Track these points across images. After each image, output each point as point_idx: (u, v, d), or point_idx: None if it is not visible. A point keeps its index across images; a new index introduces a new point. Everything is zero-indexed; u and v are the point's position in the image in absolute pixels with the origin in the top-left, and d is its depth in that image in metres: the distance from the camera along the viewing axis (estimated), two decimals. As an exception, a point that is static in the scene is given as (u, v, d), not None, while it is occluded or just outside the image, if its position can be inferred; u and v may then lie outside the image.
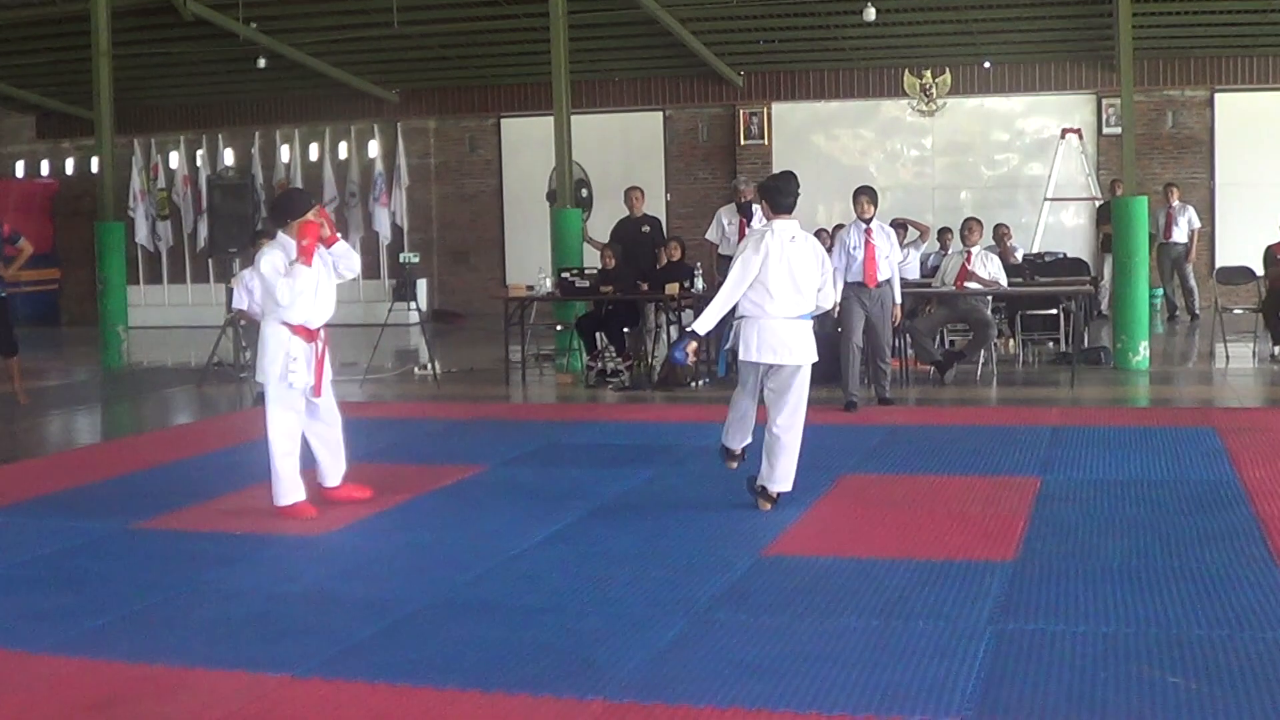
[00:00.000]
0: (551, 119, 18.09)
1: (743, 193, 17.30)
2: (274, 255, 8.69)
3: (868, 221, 12.85)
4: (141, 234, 26.80)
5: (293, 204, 8.94)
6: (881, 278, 12.81)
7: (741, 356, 8.59)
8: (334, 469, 9.15)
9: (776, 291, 8.49)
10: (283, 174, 26.77)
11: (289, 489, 8.72)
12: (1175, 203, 21.18)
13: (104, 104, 19.14)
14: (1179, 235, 21.17)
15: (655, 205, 24.45)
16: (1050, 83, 23.73)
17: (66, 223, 28.58)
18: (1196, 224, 21.45)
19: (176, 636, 6.12)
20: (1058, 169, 23.04)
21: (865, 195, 13.02)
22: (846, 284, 12.65)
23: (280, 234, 8.85)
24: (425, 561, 7.51)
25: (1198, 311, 21.13)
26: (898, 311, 13.05)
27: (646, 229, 17.10)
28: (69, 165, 28.89)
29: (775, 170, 23.99)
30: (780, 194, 8.72)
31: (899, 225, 18.16)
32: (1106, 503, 8.48)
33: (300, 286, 8.58)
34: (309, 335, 8.82)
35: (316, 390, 8.85)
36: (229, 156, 27.33)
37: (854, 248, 12.80)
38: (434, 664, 5.64)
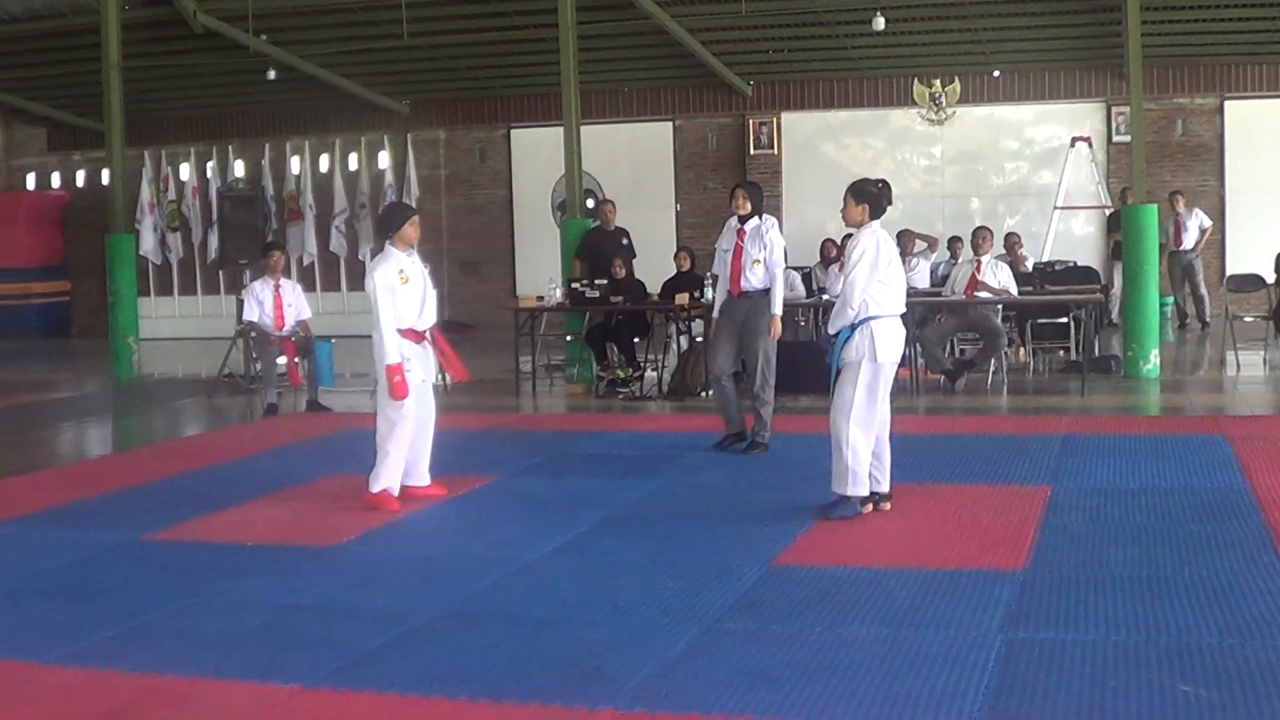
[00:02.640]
0: (561, 129, 18.09)
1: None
2: (384, 267, 9.31)
3: (743, 220, 11.13)
4: (147, 246, 26.56)
5: (392, 217, 9.67)
6: (748, 285, 11.03)
7: (885, 358, 8.44)
8: (422, 468, 9.63)
9: (898, 289, 8.56)
10: (293, 185, 26.82)
11: (386, 479, 9.30)
12: (1181, 209, 21.16)
13: (114, 116, 19.17)
14: (1189, 242, 21.15)
15: (665, 215, 24.58)
16: (1060, 91, 23.72)
17: (77, 234, 28.63)
18: (1207, 224, 21.40)
19: (187, 647, 6.13)
20: (1068, 177, 23.02)
21: (741, 190, 11.31)
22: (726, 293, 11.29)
23: (388, 246, 9.47)
24: (436, 572, 7.52)
25: (1208, 319, 21.09)
26: (775, 325, 11.01)
27: (625, 241, 17.07)
28: (79, 177, 28.95)
29: (785, 179, 24.21)
30: (885, 200, 8.66)
31: (905, 234, 18.20)
32: (1117, 511, 8.46)
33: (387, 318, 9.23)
34: (417, 337, 9.41)
35: (459, 375, 9.94)
36: (239, 168, 27.37)
37: (724, 250, 11.27)
38: (444, 674, 5.64)
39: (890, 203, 8.69)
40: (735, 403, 11.26)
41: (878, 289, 8.43)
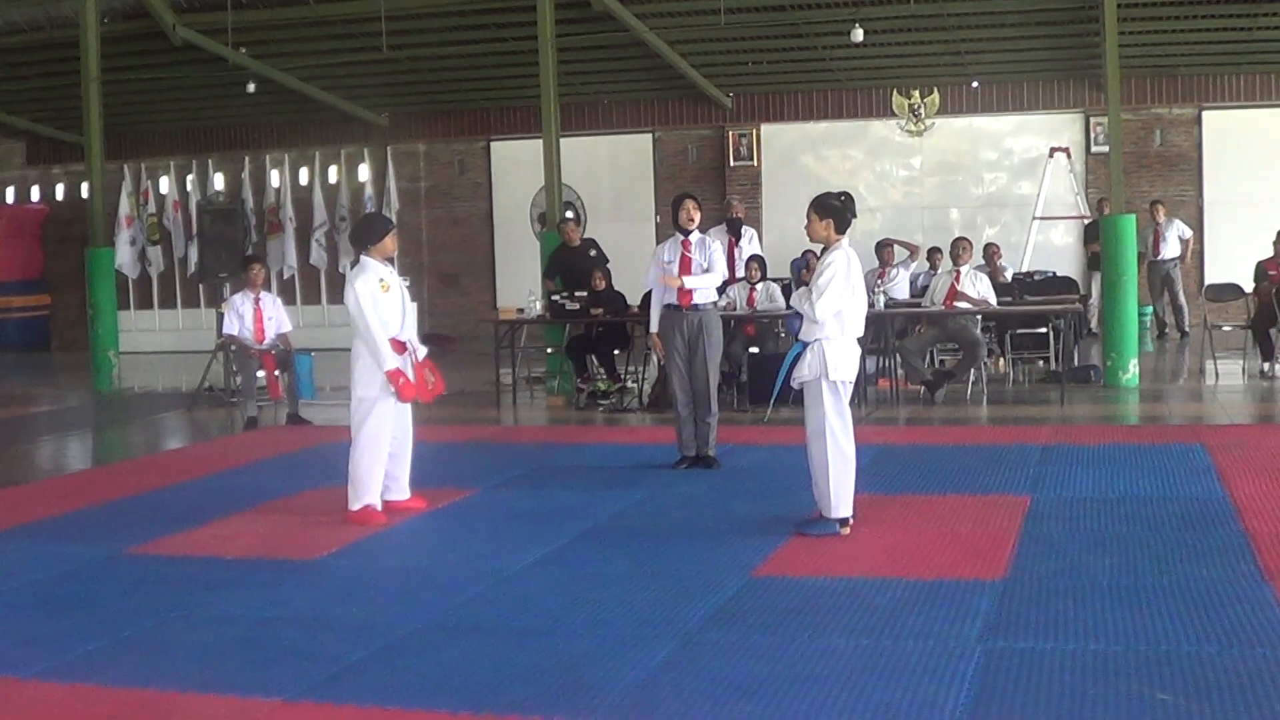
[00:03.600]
0: (541, 142, 18.12)
1: (734, 208, 17.36)
2: (365, 277, 9.28)
3: (687, 232, 11.04)
4: (123, 259, 26.16)
5: (373, 229, 9.60)
6: (700, 299, 10.95)
7: (842, 376, 8.35)
8: (402, 482, 9.61)
9: (858, 312, 8.52)
10: (273, 198, 26.78)
11: (365, 494, 9.25)
12: (1161, 219, 21.23)
13: (94, 129, 19.17)
14: (1168, 252, 21.23)
15: (645, 227, 24.59)
16: (1038, 102, 23.80)
17: (57, 248, 28.58)
18: (1188, 234, 21.52)
19: (169, 661, 6.12)
20: (1046, 188, 23.06)
21: (691, 201, 11.19)
22: (664, 308, 11.12)
23: (364, 258, 9.42)
24: (417, 584, 7.51)
25: (1187, 329, 21.19)
26: (673, 280, 10.95)
27: (594, 253, 17.06)
28: (59, 190, 28.89)
29: (764, 191, 24.24)
30: (849, 213, 8.57)
31: (885, 245, 18.23)
32: (1096, 520, 8.50)
33: (377, 326, 9.18)
34: (399, 347, 9.32)
35: (425, 396, 9.56)
36: (219, 181, 27.34)
37: (668, 262, 11.05)
38: (426, 686, 5.64)
39: (854, 215, 8.61)
40: (694, 428, 11.16)
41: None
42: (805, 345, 8.41)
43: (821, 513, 8.39)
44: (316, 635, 6.48)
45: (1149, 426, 13.07)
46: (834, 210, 8.48)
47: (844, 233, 8.51)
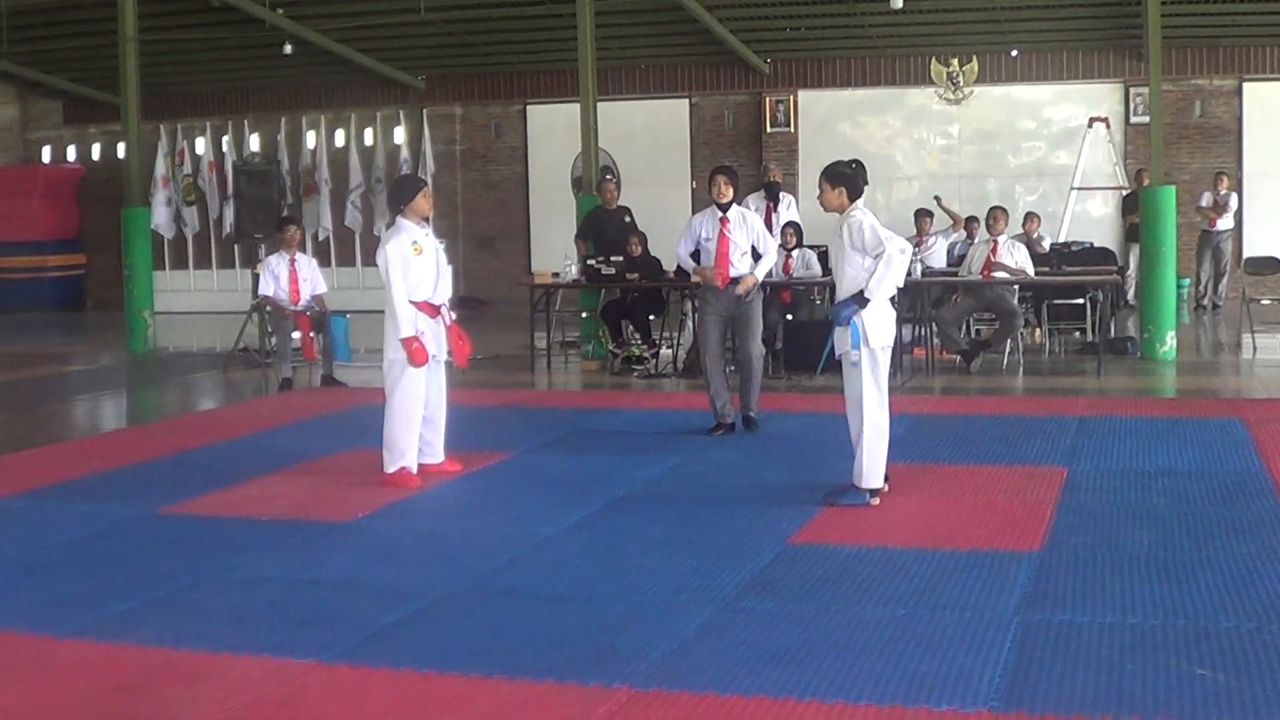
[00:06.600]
0: (578, 106, 18.07)
1: (773, 173, 17.29)
2: (397, 240, 9.28)
3: (724, 208, 10.91)
4: (159, 220, 26.16)
5: (404, 189, 9.62)
6: (737, 275, 10.86)
7: (879, 343, 8.32)
8: (436, 445, 9.64)
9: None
10: (308, 160, 26.77)
11: (400, 457, 9.26)
12: (1223, 190, 21.04)
13: (130, 89, 19.18)
14: (1224, 223, 21.04)
15: (681, 193, 24.51)
16: (1078, 71, 23.61)
17: (92, 208, 28.61)
18: (1234, 207, 21.35)
19: (202, 621, 6.14)
20: (1085, 158, 22.91)
21: (723, 176, 11.00)
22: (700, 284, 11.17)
23: (399, 219, 9.43)
24: (451, 548, 7.52)
25: (1220, 302, 21.06)
26: (749, 281, 10.83)
27: (628, 219, 17.00)
28: (95, 150, 28.92)
29: (801, 158, 24.14)
30: (861, 180, 8.59)
31: (923, 214, 18.21)
32: (1133, 493, 8.45)
33: (400, 290, 9.19)
34: (433, 311, 9.38)
35: (459, 360, 9.72)
36: (255, 142, 27.29)
37: (706, 239, 10.95)
38: (460, 650, 5.65)
39: (866, 183, 8.64)
40: (728, 395, 11.15)
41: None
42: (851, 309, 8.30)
43: (853, 482, 8.37)
44: (350, 598, 6.48)
45: (1186, 400, 12.97)
46: (845, 178, 8.51)
47: (856, 200, 8.51)
